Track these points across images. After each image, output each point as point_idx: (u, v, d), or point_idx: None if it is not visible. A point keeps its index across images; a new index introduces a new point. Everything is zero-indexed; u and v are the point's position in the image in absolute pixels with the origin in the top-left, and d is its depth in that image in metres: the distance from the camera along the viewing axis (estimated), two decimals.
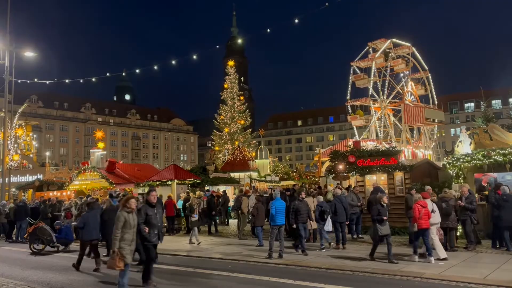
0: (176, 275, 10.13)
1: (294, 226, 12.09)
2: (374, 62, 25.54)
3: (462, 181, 13.57)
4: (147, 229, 8.12)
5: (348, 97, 26.93)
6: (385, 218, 10.65)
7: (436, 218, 10.60)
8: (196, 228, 15.15)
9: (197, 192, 20.21)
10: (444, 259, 10.08)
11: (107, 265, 7.54)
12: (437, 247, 10.34)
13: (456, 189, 12.89)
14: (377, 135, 25.69)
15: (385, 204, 10.96)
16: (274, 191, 14.99)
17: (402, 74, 26.87)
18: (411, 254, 10.58)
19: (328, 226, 12.69)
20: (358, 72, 26.93)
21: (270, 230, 11.82)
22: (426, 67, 27.25)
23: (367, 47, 27.11)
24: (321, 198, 13.24)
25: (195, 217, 15.10)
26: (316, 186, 21.77)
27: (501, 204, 11.45)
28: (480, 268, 9.22)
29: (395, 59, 26.13)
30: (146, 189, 20.24)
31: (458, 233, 12.45)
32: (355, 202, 14.76)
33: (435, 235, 10.48)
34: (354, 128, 27.81)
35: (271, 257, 11.31)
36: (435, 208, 10.66)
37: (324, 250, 12.35)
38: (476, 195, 12.99)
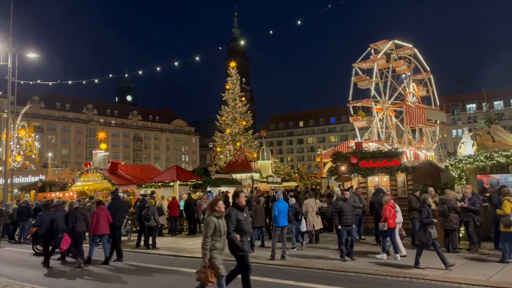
0: (178, 275, 10.14)
1: (339, 227, 11.04)
2: (376, 63, 25.59)
3: (464, 182, 13.55)
4: (238, 237, 6.95)
5: (350, 98, 26.97)
6: (435, 220, 10.05)
7: (399, 218, 11.31)
8: None
9: (197, 193, 20.26)
10: (404, 256, 10.91)
11: (197, 278, 6.42)
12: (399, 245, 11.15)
13: (458, 191, 12.89)
14: (379, 136, 25.72)
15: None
16: (276, 192, 14.95)
17: (404, 75, 26.91)
18: (380, 252, 11.20)
19: (303, 226, 13.38)
20: (360, 73, 26.98)
21: (273, 232, 11.83)
22: (428, 68, 27.29)
23: (369, 48, 27.17)
24: (311, 200, 13.71)
25: None
26: (310, 187, 21.82)
27: None
28: (483, 270, 9.21)
29: (397, 60, 26.16)
30: (149, 190, 20.36)
31: (460, 235, 12.44)
32: (358, 204, 14.75)
33: (396, 234, 11.17)
34: (356, 129, 27.85)
35: (273, 258, 11.32)
36: (398, 208, 11.43)
37: (295, 249, 12.76)
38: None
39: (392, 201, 11.26)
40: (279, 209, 11.73)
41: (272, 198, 15.82)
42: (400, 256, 10.84)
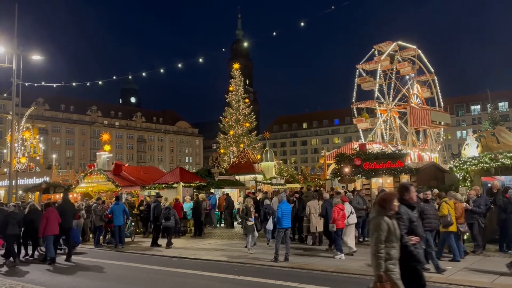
0: (178, 277, 10.14)
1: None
2: (379, 64, 25.52)
3: (469, 184, 13.49)
4: (416, 240, 5.41)
5: (353, 100, 26.91)
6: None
7: (353, 219, 12.24)
8: (251, 235, 13.26)
9: (200, 195, 20.26)
10: (355, 251, 11.96)
11: None
12: (351, 240, 12.14)
13: (463, 192, 12.83)
14: (382, 137, 25.64)
15: None
16: (280, 194, 14.97)
17: (407, 77, 26.84)
18: (334, 251, 11.86)
19: (269, 225, 14.10)
20: (364, 74, 26.92)
21: (276, 233, 11.79)
22: (432, 70, 27.20)
23: (373, 50, 27.12)
24: (314, 202, 14.17)
25: (251, 221, 13.36)
26: (314, 189, 21.78)
27: (508, 207, 11.37)
28: (488, 272, 9.15)
29: (400, 62, 26.09)
30: (152, 192, 20.40)
31: (465, 237, 12.38)
32: (361, 206, 14.71)
33: (352, 233, 12.25)
34: (360, 130, 27.79)
35: (277, 260, 11.29)
36: (353, 210, 12.39)
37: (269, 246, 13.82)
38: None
39: (342, 203, 12.08)
40: (283, 211, 11.64)
41: (261, 201, 16.25)
42: (346, 254, 11.66)
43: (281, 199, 12.36)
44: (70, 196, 24.19)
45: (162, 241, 15.26)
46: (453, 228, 10.48)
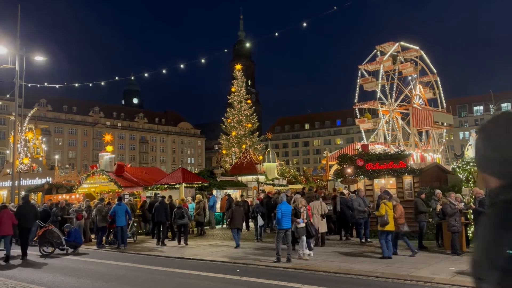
0: (180, 278, 10.13)
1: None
2: (382, 65, 25.46)
3: (472, 185, 13.44)
4: None
5: (355, 100, 26.85)
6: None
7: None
8: (305, 238, 11.98)
9: (197, 195, 20.26)
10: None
11: None
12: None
13: (466, 193, 12.78)
14: (385, 138, 25.58)
15: None
16: (280, 194, 14.96)
17: (410, 78, 26.77)
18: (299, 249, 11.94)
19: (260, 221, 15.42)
20: (366, 75, 26.85)
21: (277, 234, 11.76)
22: (435, 71, 27.12)
23: (375, 50, 27.05)
24: (316, 203, 14.08)
25: (301, 223, 11.89)
26: (316, 190, 21.83)
27: None
28: None
29: (403, 62, 26.03)
30: (154, 193, 20.43)
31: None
32: (362, 207, 14.67)
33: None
34: (362, 131, 27.72)
35: (279, 261, 11.27)
36: (315, 211, 13.11)
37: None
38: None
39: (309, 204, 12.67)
40: (283, 212, 11.63)
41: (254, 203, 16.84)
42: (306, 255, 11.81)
43: (281, 200, 12.35)
44: (73, 196, 24.30)
45: (172, 242, 15.68)
46: (389, 227, 11.38)
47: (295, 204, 12.30)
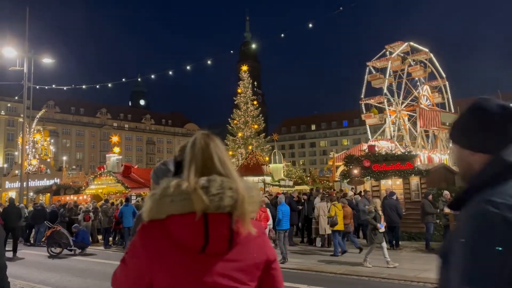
0: None
1: None
2: (390, 62, 25.28)
3: None
4: None
5: (362, 96, 26.68)
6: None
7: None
8: (385, 244, 10.74)
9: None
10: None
11: None
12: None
13: None
14: (391, 137, 25.45)
15: None
16: (279, 196, 14.90)
17: (418, 80, 26.64)
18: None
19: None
20: (374, 72, 26.69)
21: (277, 235, 11.82)
22: (444, 75, 26.92)
23: (384, 50, 26.90)
24: (322, 204, 13.86)
25: (381, 228, 10.57)
26: (323, 191, 21.72)
27: None
28: None
29: (412, 65, 25.88)
30: None
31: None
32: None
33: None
34: (367, 127, 27.48)
35: (286, 260, 11.30)
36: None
37: None
38: None
39: (263, 206, 12.36)
40: (283, 212, 11.79)
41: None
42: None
43: (280, 201, 12.39)
44: (80, 197, 24.47)
45: None
46: (338, 227, 12.20)
47: (374, 207, 10.84)
